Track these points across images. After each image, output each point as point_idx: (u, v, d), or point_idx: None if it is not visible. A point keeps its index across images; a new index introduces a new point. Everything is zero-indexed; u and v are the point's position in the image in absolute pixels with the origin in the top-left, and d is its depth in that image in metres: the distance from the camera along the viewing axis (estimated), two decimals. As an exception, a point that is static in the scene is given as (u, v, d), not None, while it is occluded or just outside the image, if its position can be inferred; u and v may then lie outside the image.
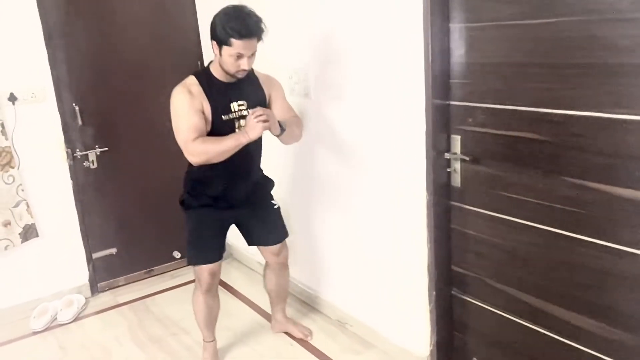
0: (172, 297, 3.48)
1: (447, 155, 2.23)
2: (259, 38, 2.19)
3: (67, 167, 3.34)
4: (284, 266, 2.76)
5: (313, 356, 2.74)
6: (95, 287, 3.58)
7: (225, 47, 2.18)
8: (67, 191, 3.37)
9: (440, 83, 2.16)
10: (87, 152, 3.41)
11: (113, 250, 3.63)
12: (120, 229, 3.64)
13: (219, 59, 2.25)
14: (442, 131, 2.21)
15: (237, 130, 2.35)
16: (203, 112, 2.27)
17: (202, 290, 2.52)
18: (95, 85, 3.40)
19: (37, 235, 3.27)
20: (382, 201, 2.52)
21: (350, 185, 2.70)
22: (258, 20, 2.18)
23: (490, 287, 2.23)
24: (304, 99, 2.85)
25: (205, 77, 2.33)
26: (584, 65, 1.72)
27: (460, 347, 2.46)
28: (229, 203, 2.49)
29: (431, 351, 2.46)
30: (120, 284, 3.68)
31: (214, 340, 2.68)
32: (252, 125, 2.21)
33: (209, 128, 2.30)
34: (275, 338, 2.91)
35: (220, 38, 2.18)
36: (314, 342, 2.85)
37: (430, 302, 2.40)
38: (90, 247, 3.52)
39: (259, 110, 2.24)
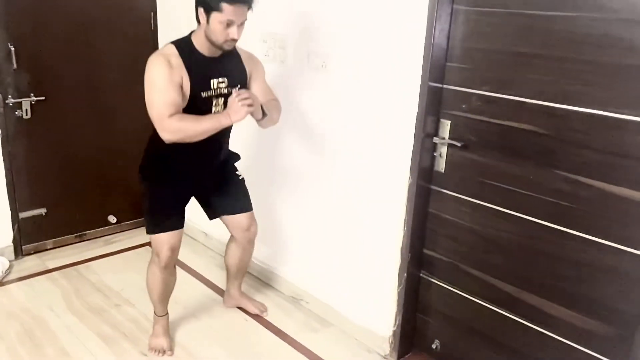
0: (109, 265, 3.24)
1: (435, 140, 2.21)
2: (250, 6, 2.05)
3: (-3, 114, 2.97)
4: (252, 242, 2.63)
5: (269, 332, 2.67)
6: (19, 249, 3.25)
7: (214, 14, 2.01)
8: (-5, 142, 3.00)
9: (436, 65, 2.12)
10: (21, 99, 3.04)
11: (42, 211, 3.30)
12: (52, 187, 3.31)
13: (206, 28, 2.07)
14: (432, 114, 2.18)
15: (213, 108, 2.21)
16: (181, 87, 2.10)
17: (159, 266, 2.35)
18: (36, 28, 3.03)
19: (-44, 189, 2.89)
20: (358, 180, 2.47)
21: (324, 161, 2.62)
22: None
23: (463, 272, 2.26)
24: (279, 65, 2.71)
25: (187, 48, 2.13)
26: (594, 63, 1.75)
27: (422, 328, 2.49)
28: (193, 179, 2.39)
29: (394, 332, 2.47)
30: (48, 247, 3.37)
31: (167, 314, 2.52)
32: (235, 108, 2.07)
33: (184, 104, 2.12)
34: (228, 313, 2.80)
35: (209, 3, 2.01)
36: (269, 318, 2.77)
37: (399, 284, 2.40)
38: (17, 205, 3.18)
39: (244, 92, 2.10)
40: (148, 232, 2.35)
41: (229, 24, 2.02)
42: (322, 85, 2.53)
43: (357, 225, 2.53)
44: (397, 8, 2.15)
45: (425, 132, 2.19)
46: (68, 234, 3.45)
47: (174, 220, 2.35)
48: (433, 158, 2.25)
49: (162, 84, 2.05)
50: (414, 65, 2.13)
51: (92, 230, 3.55)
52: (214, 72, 2.18)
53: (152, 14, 3.44)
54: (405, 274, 2.37)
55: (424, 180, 2.28)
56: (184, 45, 2.14)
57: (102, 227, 3.59)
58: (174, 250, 2.35)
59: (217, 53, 2.16)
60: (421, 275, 2.43)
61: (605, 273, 1.84)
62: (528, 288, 2.07)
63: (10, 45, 2.93)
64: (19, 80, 3.02)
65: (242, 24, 2.07)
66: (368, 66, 2.32)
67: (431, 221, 2.34)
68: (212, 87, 2.18)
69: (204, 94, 2.16)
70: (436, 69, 2.12)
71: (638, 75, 1.67)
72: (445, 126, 2.19)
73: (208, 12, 2.03)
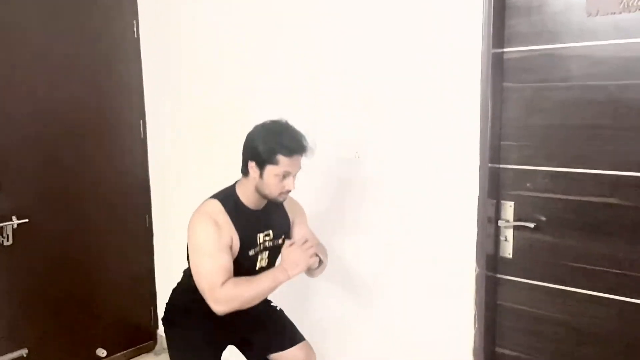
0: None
1: (500, 223, 2.04)
2: (307, 154, 1.90)
3: (-26, 245, 2.57)
4: None
5: None
6: (-6, 404, 2.72)
7: (269, 167, 1.86)
8: (-29, 276, 2.58)
9: (493, 145, 2.00)
10: (3, 224, 2.67)
11: (23, 352, 2.81)
12: (35, 323, 2.85)
13: (258, 182, 1.90)
14: (493, 197, 2.04)
15: (257, 264, 2.01)
16: (230, 247, 1.89)
17: None
18: (19, 144, 2.73)
19: None
20: (419, 278, 2.23)
21: (379, 259, 2.37)
22: (301, 133, 1.90)
23: (548, 370, 2.02)
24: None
25: (232, 204, 1.94)
26: (681, 127, 1.67)
27: None
28: (228, 325, 2.01)
29: None
30: (29, 396, 2.84)
31: None
32: (295, 260, 1.85)
33: None
34: None
35: (263, 157, 1.86)
36: None
37: (476, 392, 2.11)
38: (-7, 349, 2.70)
39: (308, 241, 1.89)
40: None
41: (285, 176, 1.87)
42: (359, 178, 2.35)
43: (423, 329, 2.25)
44: (446, 89, 2.05)
45: (487, 215, 2.02)
46: (52, 377, 2.95)
47: None
48: (497, 243, 2.07)
49: (211, 248, 1.84)
50: (469, 148, 2.00)
51: (79, 369, 3.06)
52: (260, 225, 2.00)
53: (140, 121, 3.23)
54: (482, 379, 2.10)
55: (490, 268, 2.08)
56: (228, 200, 1.94)
57: (90, 363, 3.11)
58: None
59: (262, 204, 1.99)
60: (496, 378, 2.16)
61: None
62: (633, 380, 1.85)
63: (-8, 166, 2.61)
64: (1, 203, 2.66)
65: (296, 173, 1.92)
66: (422, 152, 2.16)
67: (502, 315, 2.11)
68: (258, 243, 1.99)
69: (251, 252, 1.97)
70: (493, 149, 2.00)
71: None
72: (508, 208, 2.04)
73: (261, 166, 1.87)
